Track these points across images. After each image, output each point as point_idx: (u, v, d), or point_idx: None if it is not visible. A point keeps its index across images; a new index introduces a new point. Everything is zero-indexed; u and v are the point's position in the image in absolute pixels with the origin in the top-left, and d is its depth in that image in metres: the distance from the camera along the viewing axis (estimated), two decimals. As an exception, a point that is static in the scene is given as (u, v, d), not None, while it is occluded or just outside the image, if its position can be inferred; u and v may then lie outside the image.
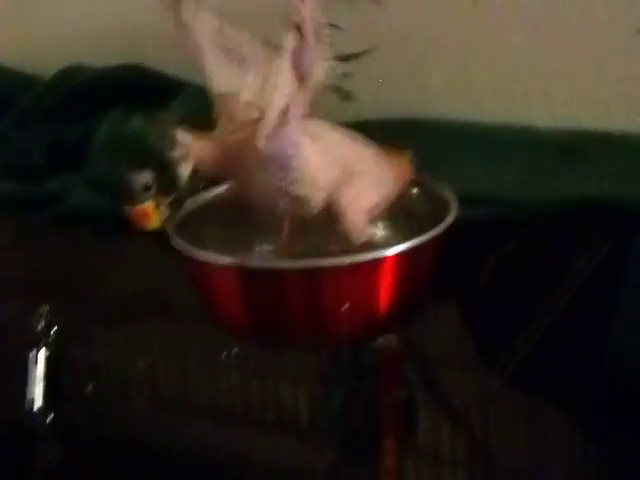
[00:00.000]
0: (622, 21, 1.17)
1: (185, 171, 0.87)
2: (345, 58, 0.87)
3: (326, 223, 0.93)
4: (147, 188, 1.00)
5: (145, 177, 1.01)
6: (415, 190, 0.97)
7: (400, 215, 0.97)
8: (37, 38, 1.52)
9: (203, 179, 0.91)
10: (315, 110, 0.91)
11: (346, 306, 0.85)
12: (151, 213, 1.00)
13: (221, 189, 0.98)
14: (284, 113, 0.84)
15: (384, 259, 0.85)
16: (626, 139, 1.17)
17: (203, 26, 0.88)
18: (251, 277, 0.86)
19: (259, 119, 0.84)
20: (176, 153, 0.86)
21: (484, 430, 0.91)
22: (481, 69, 1.26)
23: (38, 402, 0.89)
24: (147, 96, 1.32)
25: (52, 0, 1.50)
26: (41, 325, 0.90)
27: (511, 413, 0.97)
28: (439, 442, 0.95)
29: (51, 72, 1.41)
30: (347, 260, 0.84)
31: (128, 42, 1.42)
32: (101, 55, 1.40)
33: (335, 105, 1.06)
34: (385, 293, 0.86)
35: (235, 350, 0.90)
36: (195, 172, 0.87)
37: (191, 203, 0.96)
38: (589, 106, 1.21)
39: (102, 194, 1.14)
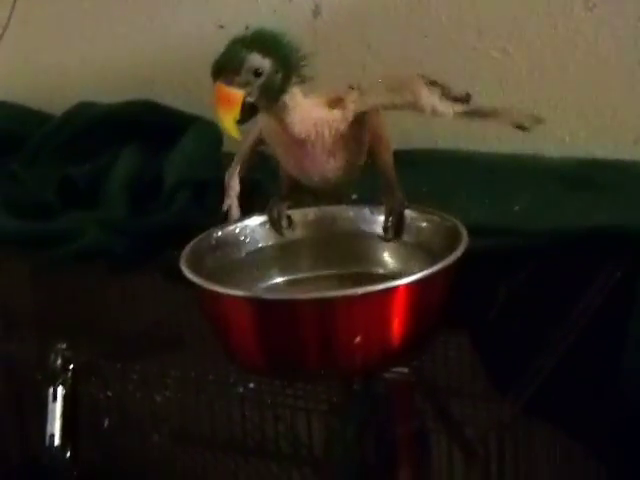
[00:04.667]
0: (626, 52, 1.18)
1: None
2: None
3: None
4: (257, 74, 0.85)
5: (261, 62, 0.86)
6: (426, 221, 0.97)
7: (411, 246, 0.97)
8: (48, 76, 1.53)
9: None
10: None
11: (359, 338, 0.85)
12: (237, 104, 0.84)
13: (231, 226, 0.99)
14: None
15: (396, 289, 0.85)
16: (633, 167, 1.17)
17: None
18: (264, 309, 0.86)
19: None
20: None
21: (498, 460, 0.91)
22: (489, 100, 1.26)
23: (57, 438, 0.90)
24: (157, 131, 1.33)
25: (63, 38, 1.51)
26: (58, 362, 0.90)
27: (525, 442, 0.96)
28: (453, 472, 0.94)
29: (62, 109, 1.42)
30: (359, 291, 0.84)
31: (137, 79, 1.44)
32: (111, 92, 1.41)
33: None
34: (397, 323, 0.87)
35: (249, 384, 0.90)
36: None
37: (202, 238, 0.96)
38: (596, 135, 1.22)
39: (118, 233, 1.14)
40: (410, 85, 0.90)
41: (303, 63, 0.89)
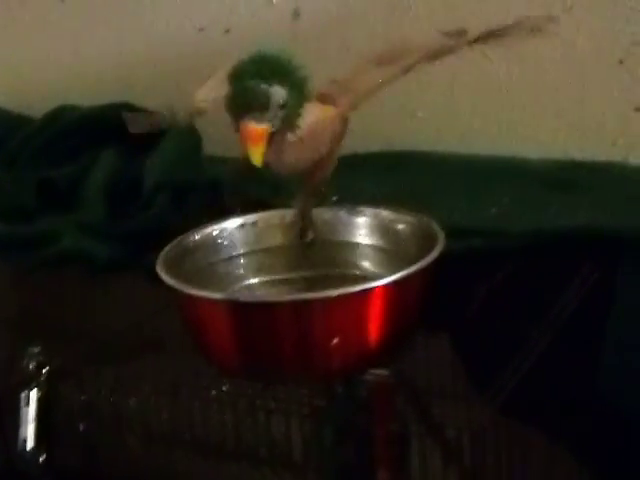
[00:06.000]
0: (605, 52, 1.18)
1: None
2: None
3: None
4: (282, 106, 0.85)
5: (282, 94, 0.85)
6: (402, 223, 0.97)
7: (388, 248, 0.98)
8: (27, 78, 1.52)
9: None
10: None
11: (336, 340, 0.85)
12: (265, 138, 0.84)
13: (209, 229, 0.99)
14: None
15: (373, 290, 0.85)
16: (612, 169, 1.18)
17: None
18: (241, 311, 0.86)
19: None
20: None
21: (478, 461, 0.91)
22: (467, 101, 1.27)
23: (31, 442, 0.89)
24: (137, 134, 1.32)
25: (43, 41, 1.51)
26: (32, 365, 0.90)
27: (503, 443, 0.97)
28: (432, 474, 0.95)
29: (41, 112, 1.42)
30: (336, 292, 0.84)
31: (117, 82, 1.43)
32: (91, 95, 1.41)
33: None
34: (375, 324, 0.87)
35: (226, 386, 0.90)
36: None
37: (180, 241, 0.96)
38: (575, 136, 1.22)
39: (96, 236, 1.14)
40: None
41: (307, 79, 0.89)
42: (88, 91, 1.43)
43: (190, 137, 1.30)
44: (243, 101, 0.85)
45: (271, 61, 0.87)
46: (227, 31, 1.38)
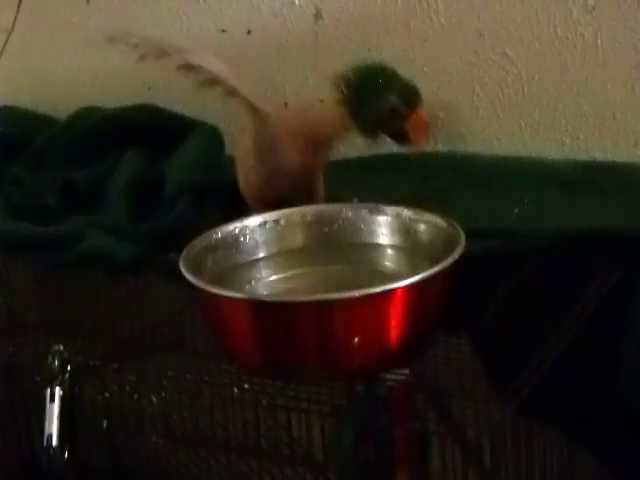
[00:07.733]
0: (627, 53, 1.18)
1: None
2: None
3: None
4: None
5: None
6: (424, 223, 0.98)
7: (409, 248, 0.98)
8: (52, 80, 1.53)
9: None
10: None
11: (357, 340, 0.85)
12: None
13: (230, 227, 0.99)
14: None
15: (394, 291, 0.86)
16: (633, 170, 1.18)
17: None
18: (263, 311, 0.87)
19: None
20: None
21: (498, 460, 0.91)
22: (489, 102, 1.27)
23: (55, 439, 0.90)
24: (159, 135, 1.33)
25: (67, 42, 1.52)
26: (57, 363, 0.91)
27: (523, 443, 0.97)
28: (452, 474, 0.95)
29: (65, 113, 1.43)
30: (358, 293, 0.85)
31: (140, 83, 1.44)
32: (115, 96, 1.42)
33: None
34: (396, 325, 0.87)
35: (247, 385, 0.91)
36: None
37: (202, 239, 0.97)
38: (596, 137, 1.22)
39: (119, 237, 1.15)
40: None
41: None
42: (112, 93, 1.44)
43: (213, 138, 1.31)
44: (416, 93, 1.01)
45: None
46: (249, 32, 1.39)
